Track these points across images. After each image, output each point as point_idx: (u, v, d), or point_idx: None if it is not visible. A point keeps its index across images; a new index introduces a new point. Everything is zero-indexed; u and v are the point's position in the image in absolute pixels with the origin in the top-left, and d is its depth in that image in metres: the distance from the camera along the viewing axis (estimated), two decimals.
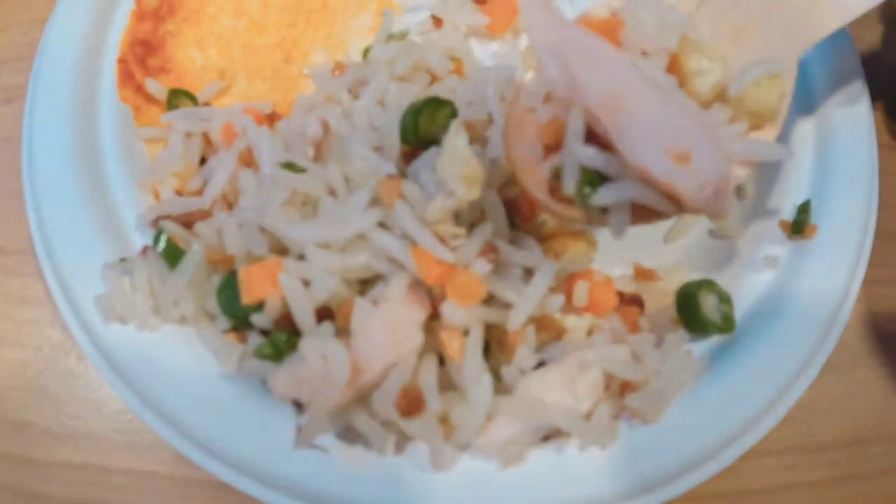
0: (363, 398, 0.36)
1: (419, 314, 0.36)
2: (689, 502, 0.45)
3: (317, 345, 0.35)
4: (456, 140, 0.35)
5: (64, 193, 0.45)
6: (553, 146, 0.35)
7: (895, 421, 0.49)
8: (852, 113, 0.50)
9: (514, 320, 0.37)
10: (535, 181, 0.35)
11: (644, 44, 0.34)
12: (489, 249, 0.36)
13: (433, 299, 0.36)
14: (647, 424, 0.40)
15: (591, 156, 0.32)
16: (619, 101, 0.30)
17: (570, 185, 0.33)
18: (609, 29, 0.35)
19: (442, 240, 0.36)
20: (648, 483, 0.39)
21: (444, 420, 0.37)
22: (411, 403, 0.35)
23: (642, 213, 0.34)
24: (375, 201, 0.39)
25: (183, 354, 0.40)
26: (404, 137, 0.41)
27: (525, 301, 0.37)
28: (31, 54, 0.52)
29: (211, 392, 0.39)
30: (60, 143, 0.47)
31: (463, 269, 0.36)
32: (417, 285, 0.36)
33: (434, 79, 0.48)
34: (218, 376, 0.40)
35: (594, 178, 0.33)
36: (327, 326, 0.36)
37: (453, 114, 0.41)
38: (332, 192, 0.40)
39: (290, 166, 0.40)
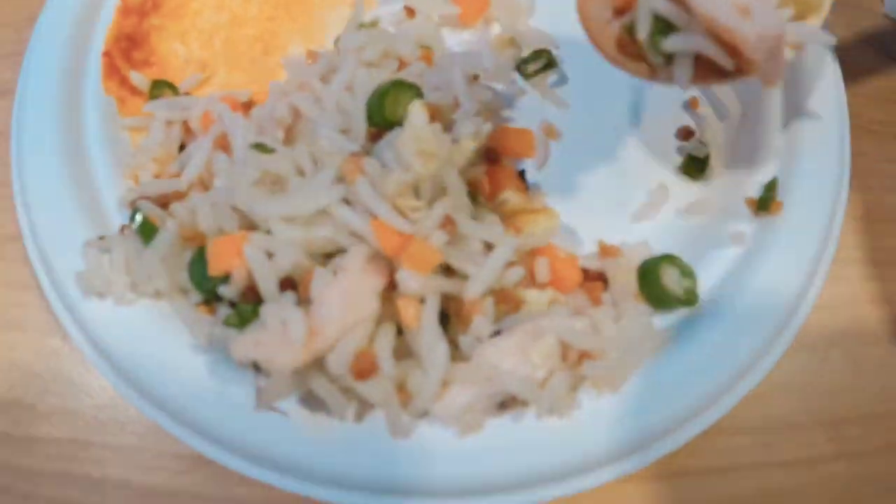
0: (321, 363, 0.37)
1: (376, 283, 0.37)
2: (660, 479, 0.46)
3: (277, 310, 0.36)
4: (415, 118, 0.37)
5: (49, 179, 0.47)
6: (622, 9, 0.40)
7: (870, 402, 0.48)
8: (822, 91, 0.50)
9: (471, 290, 0.38)
10: (605, 39, 0.40)
11: None
12: (448, 222, 0.38)
13: (392, 271, 0.38)
14: (607, 395, 0.40)
15: (663, 5, 0.37)
16: None
17: (643, 31, 0.37)
18: None
19: (401, 213, 0.37)
20: (609, 453, 0.40)
21: (401, 388, 0.38)
22: (365, 366, 0.36)
23: (703, 73, 0.39)
24: (340, 180, 0.40)
25: (157, 327, 0.42)
26: (370, 119, 0.43)
27: (483, 272, 0.38)
28: (22, 51, 0.55)
29: (182, 362, 0.41)
30: (47, 133, 0.49)
31: (421, 239, 0.37)
32: (376, 256, 0.37)
33: (402, 65, 0.49)
34: (190, 347, 0.41)
35: (664, 28, 0.37)
36: (289, 295, 0.37)
37: (418, 96, 0.42)
38: (301, 172, 0.42)
39: (259, 147, 0.42)
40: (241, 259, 0.38)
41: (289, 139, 0.46)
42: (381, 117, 0.42)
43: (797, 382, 0.49)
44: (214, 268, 0.38)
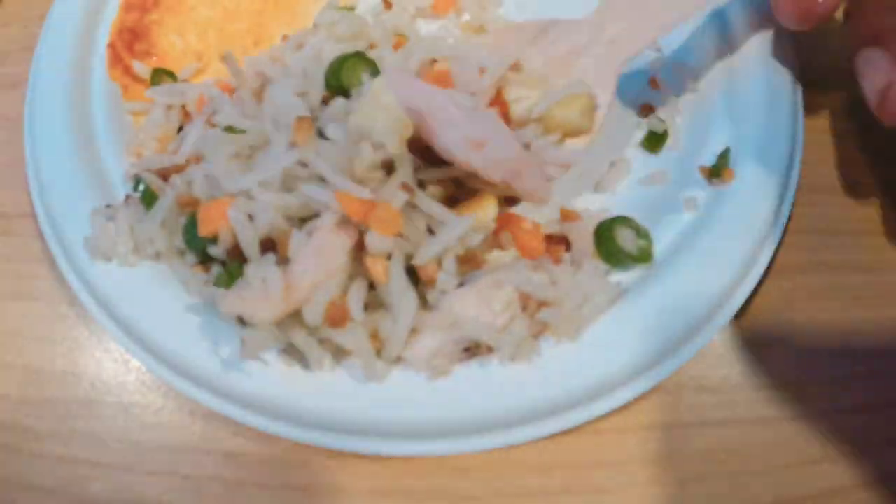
0: (299, 317, 0.41)
1: (346, 241, 0.41)
2: (623, 432, 0.49)
3: (258, 270, 0.40)
4: (386, 97, 0.41)
5: (61, 158, 0.52)
6: None
7: (829, 365, 0.50)
8: (776, 64, 0.53)
9: (420, 257, 0.42)
10: None
11: (469, 85, 0.49)
12: (406, 188, 0.41)
13: (360, 232, 0.41)
14: (565, 342, 0.43)
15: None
16: (436, 119, 0.42)
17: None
18: (444, 75, 0.49)
19: (361, 182, 0.41)
20: (570, 399, 0.43)
21: (374, 336, 0.42)
22: (337, 314, 0.40)
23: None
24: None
25: (158, 286, 0.46)
26: (327, 83, 0.47)
27: (432, 244, 0.42)
28: (32, 46, 0.60)
29: (179, 318, 0.45)
30: (58, 116, 0.54)
31: (385, 203, 0.41)
32: (346, 219, 0.41)
33: (372, 48, 0.53)
34: (186, 303, 0.45)
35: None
36: (270, 257, 0.41)
37: (374, 73, 0.47)
38: (266, 141, 0.46)
39: (229, 129, 0.46)
40: (226, 221, 0.42)
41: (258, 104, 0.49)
42: (337, 82, 0.46)
43: (759, 343, 0.50)
44: (204, 229, 0.42)
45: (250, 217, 0.42)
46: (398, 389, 0.42)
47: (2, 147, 0.60)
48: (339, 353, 0.43)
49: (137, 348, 0.45)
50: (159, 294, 0.46)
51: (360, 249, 0.41)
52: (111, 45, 0.57)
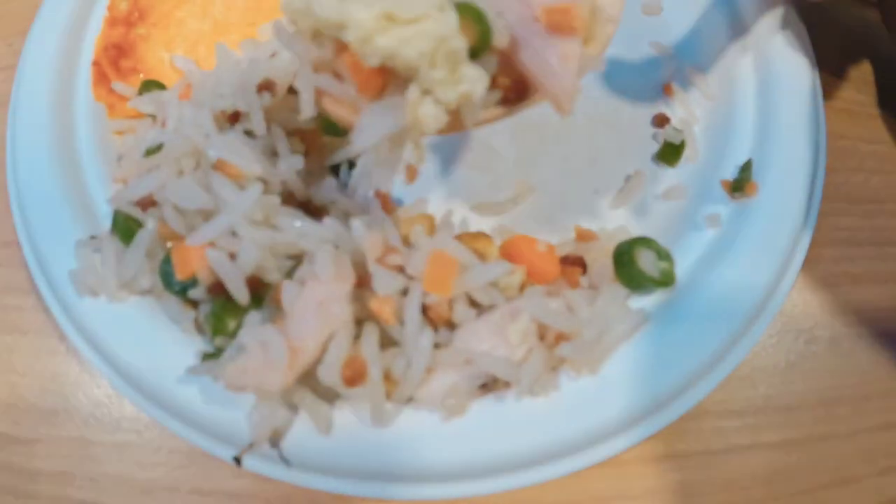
0: (306, 376, 0.38)
1: (344, 288, 0.37)
2: (645, 462, 0.46)
3: (254, 333, 0.37)
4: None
5: (44, 184, 0.49)
6: None
7: (855, 383, 0.49)
8: (796, 72, 0.51)
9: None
10: None
11: None
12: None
13: (359, 271, 0.39)
14: (585, 376, 0.41)
15: None
16: None
17: None
18: None
19: None
20: (590, 435, 0.40)
21: (386, 376, 0.39)
22: (355, 373, 0.37)
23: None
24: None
25: (149, 322, 0.43)
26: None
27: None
28: (15, 64, 0.57)
29: (172, 355, 0.42)
30: (41, 139, 0.51)
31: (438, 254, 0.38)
32: (340, 258, 0.38)
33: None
34: (177, 339, 0.43)
35: None
36: (258, 313, 0.39)
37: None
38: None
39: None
40: (204, 263, 0.39)
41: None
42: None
43: (783, 364, 0.49)
44: (181, 272, 0.40)
45: (231, 256, 0.39)
46: (409, 430, 0.39)
47: None
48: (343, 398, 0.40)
49: (132, 390, 0.43)
50: (152, 331, 0.43)
51: (359, 287, 0.39)
52: (96, 63, 0.54)
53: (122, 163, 0.49)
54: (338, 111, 0.36)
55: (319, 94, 0.36)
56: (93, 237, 0.46)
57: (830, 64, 0.58)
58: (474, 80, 0.32)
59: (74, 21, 0.55)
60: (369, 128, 0.33)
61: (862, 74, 0.59)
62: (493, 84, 0.35)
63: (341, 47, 0.33)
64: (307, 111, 0.36)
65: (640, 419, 0.42)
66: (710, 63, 0.54)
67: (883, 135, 0.57)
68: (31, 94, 0.52)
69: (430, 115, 0.32)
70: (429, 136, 0.33)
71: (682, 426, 0.47)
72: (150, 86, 0.53)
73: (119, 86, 0.53)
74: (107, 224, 0.47)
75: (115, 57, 0.54)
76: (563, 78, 0.33)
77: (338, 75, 0.35)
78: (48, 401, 0.50)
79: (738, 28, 0.54)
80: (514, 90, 0.36)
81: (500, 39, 0.33)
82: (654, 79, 0.54)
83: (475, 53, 0.32)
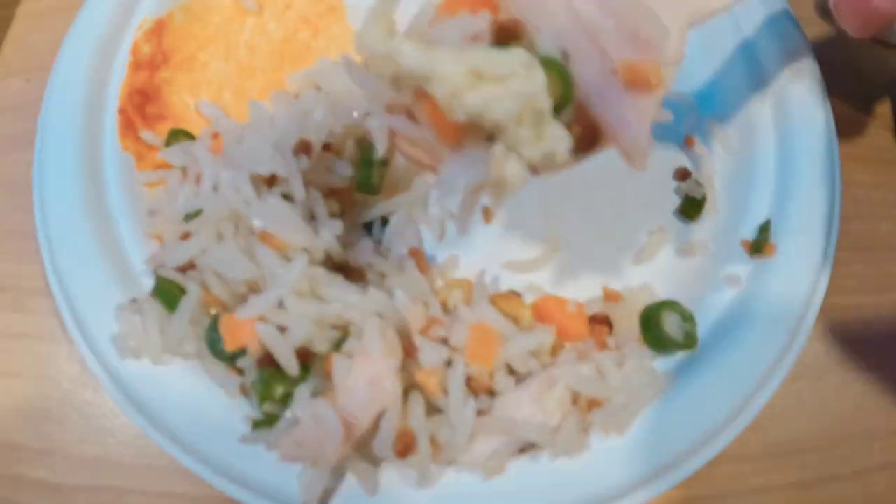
0: (358, 447, 0.40)
1: (394, 363, 0.39)
2: None
3: (307, 407, 0.38)
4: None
5: (76, 240, 0.49)
6: None
7: (862, 424, 0.51)
8: (813, 127, 0.52)
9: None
10: None
11: None
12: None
13: (406, 343, 0.40)
14: (614, 436, 0.43)
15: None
16: None
17: None
18: None
19: None
20: (618, 490, 0.43)
21: (431, 441, 0.41)
22: (406, 446, 0.39)
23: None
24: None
25: (192, 384, 0.44)
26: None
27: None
28: (34, 101, 0.56)
29: (216, 416, 0.43)
30: (70, 192, 0.50)
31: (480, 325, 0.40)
32: (387, 331, 0.39)
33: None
34: (222, 402, 0.44)
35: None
36: (304, 387, 0.40)
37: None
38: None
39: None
40: (254, 336, 0.40)
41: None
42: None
43: (793, 409, 0.51)
44: (230, 344, 0.40)
45: (281, 328, 0.40)
46: (451, 490, 0.42)
47: (7, 214, 0.57)
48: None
49: (176, 447, 0.44)
50: (195, 394, 0.44)
51: (406, 356, 0.40)
52: (122, 111, 0.53)
53: (155, 219, 0.49)
54: (414, 154, 0.37)
55: (392, 134, 0.37)
56: (134, 300, 0.46)
57: (847, 108, 0.59)
58: (558, 138, 0.32)
59: (98, 66, 0.54)
60: (452, 179, 0.34)
61: (878, 119, 0.60)
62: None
63: (421, 94, 0.33)
64: (380, 151, 0.37)
65: (663, 473, 0.44)
66: (730, 114, 0.55)
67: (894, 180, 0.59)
68: (57, 146, 0.51)
69: (515, 172, 0.32)
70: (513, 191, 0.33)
71: (698, 471, 0.49)
72: (178, 135, 0.52)
73: (147, 135, 0.52)
74: (143, 281, 0.48)
75: (141, 103, 0.53)
76: (639, 134, 0.34)
77: (411, 115, 0.35)
78: (87, 451, 0.50)
79: (757, 78, 0.55)
80: (585, 139, 0.36)
81: (579, 94, 0.33)
82: (675, 129, 0.55)
83: (556, 108, 0.33)
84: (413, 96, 0.34)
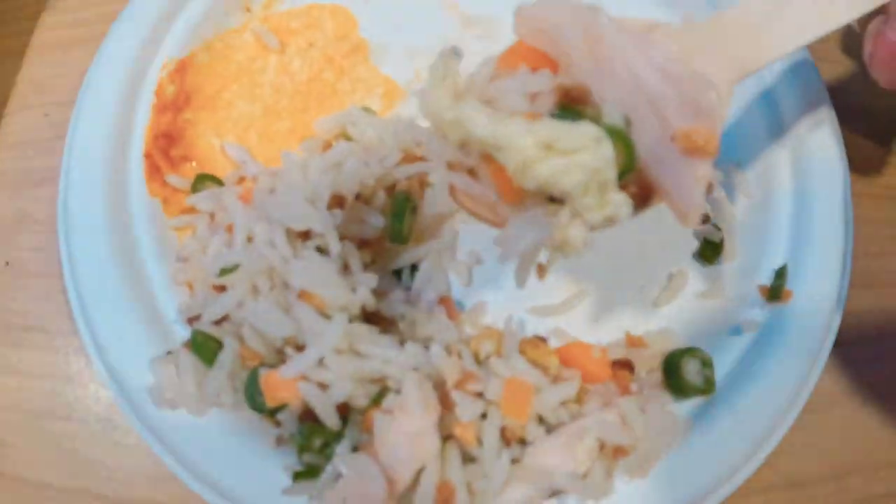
0: (399, 502, 0.41)
1: (432, 419, 0.40)
2: None
3: (350, 461, 0.40)
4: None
5: (105, 288, 0.49)
6: None
7: (869, 456, 0.53)
8: (829, 179, 0.54)
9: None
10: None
11: None
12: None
13: (443, 398, 0.41)
14: (637, 479, 0.45)
15: None
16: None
17: None
18: None
19: None
20: None
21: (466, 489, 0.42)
22: (446, 500, 0.40)
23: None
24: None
25: (229, 433, 0.45)
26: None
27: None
28: (53, 136, 0.56)
29: (255, 466, 0.44)
30: (97, 238, 0.50)
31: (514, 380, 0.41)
32: (424, 387, 0.41)
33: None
34: (260, 452, 0.44)
35: None
36: (345, 441, 0.41)
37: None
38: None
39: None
40: (294, 393, 0.41)
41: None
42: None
43: (801, 444, 0.53)
44: (272, 400, 0.41)
45: (322, 385, 0.40)
46: None
47: (30, 254, 0.56)
48: None
49: (215, 496, 0.45)
50: (233, 444, 0.45)
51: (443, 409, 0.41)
52: (147, 155, 0.53)
53: (185, 266, 0.50)
54: (475, 209, 0.38)
55: (453, 189, 0.38)
56: (169, 352, 0.46)
57: (862, 147, 0.60)
58: (619, 204, 0.34)
59: (121, 112, 0.53)
60: (515, 237, 0.36)
61: (893, 157, 0.62)
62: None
63: (487, 157, 0.34)
64: (442, 206, 0.38)
65: None
66: (748, 159, 0.57)
67: None
68: (82, 189, 0.51)
69: (578, 236, 0.34)
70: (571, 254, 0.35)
71: (750, 502, 0.51)
72: (204, 179, 0.52)
73: (174, 178, 0.52)
74: (175, 329, 0.49)
75: (166, 146, 0.53)
76: (695, 197, 0.36)
77: (472, 173, 0.37)
78: (117, 490, 0.50)
79: (776, 125, 0.56)
80: (638, 196, 0.38)
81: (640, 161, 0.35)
82: None
83: (619, 176, 0.34)
84: (478, 158, 0.35)
